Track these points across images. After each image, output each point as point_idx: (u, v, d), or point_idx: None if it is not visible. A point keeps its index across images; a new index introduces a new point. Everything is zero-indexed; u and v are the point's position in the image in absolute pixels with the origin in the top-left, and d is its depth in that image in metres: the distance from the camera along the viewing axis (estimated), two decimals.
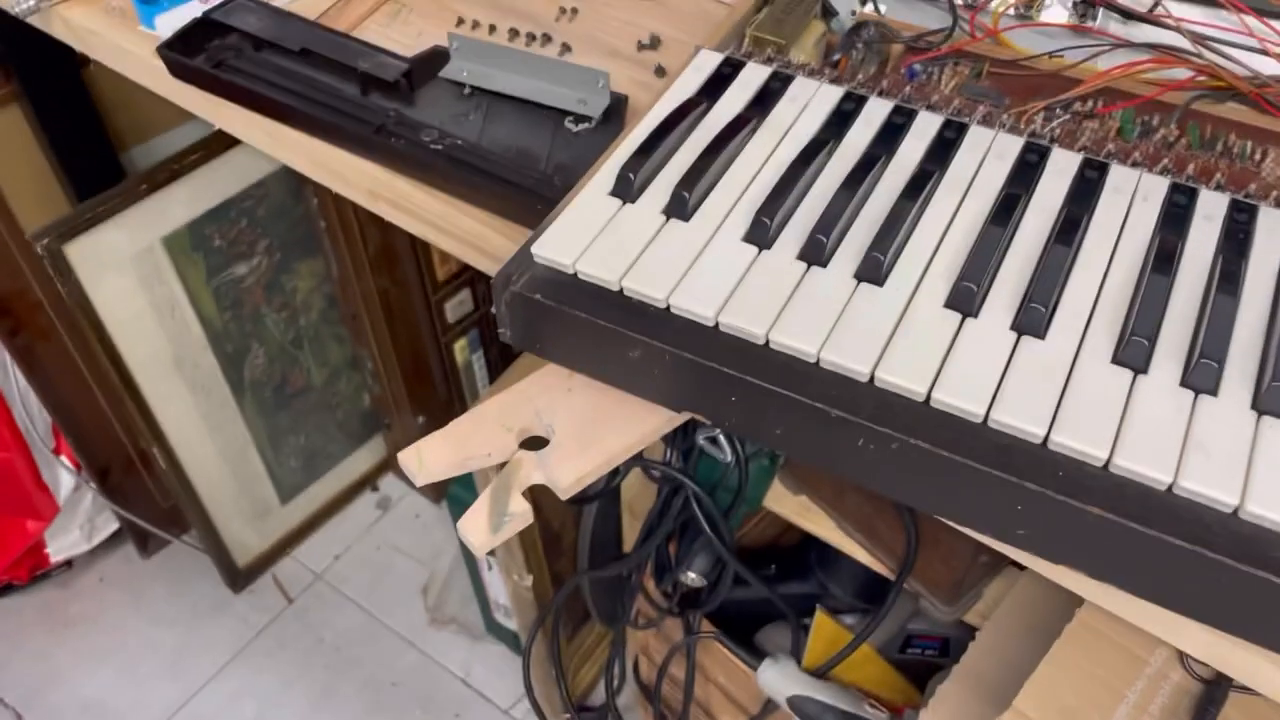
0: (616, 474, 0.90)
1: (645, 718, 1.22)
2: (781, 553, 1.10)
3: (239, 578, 1.54)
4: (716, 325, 0.49)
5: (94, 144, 1.26)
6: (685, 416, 0.54)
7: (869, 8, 0.70)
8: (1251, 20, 0.58)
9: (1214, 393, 0.45)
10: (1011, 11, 0.66)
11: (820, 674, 0.94)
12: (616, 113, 0.68)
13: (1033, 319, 0.47)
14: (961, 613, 0.87)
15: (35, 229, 1.13)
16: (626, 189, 0.54)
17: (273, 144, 0.74)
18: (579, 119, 0.68)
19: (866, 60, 0.65)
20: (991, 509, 0.46)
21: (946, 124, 0.57)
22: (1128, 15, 0.63)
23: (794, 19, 0.65)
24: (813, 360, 0.47)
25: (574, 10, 0.82)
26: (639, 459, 0.83)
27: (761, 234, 0.51)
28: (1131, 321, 0.47)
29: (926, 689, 0.95)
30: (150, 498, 1.52)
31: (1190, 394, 0.45)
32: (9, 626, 1.52)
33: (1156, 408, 0.45)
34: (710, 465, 0.84)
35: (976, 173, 0.55)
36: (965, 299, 0.48)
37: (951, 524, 0.49)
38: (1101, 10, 0.64)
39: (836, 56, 0.65)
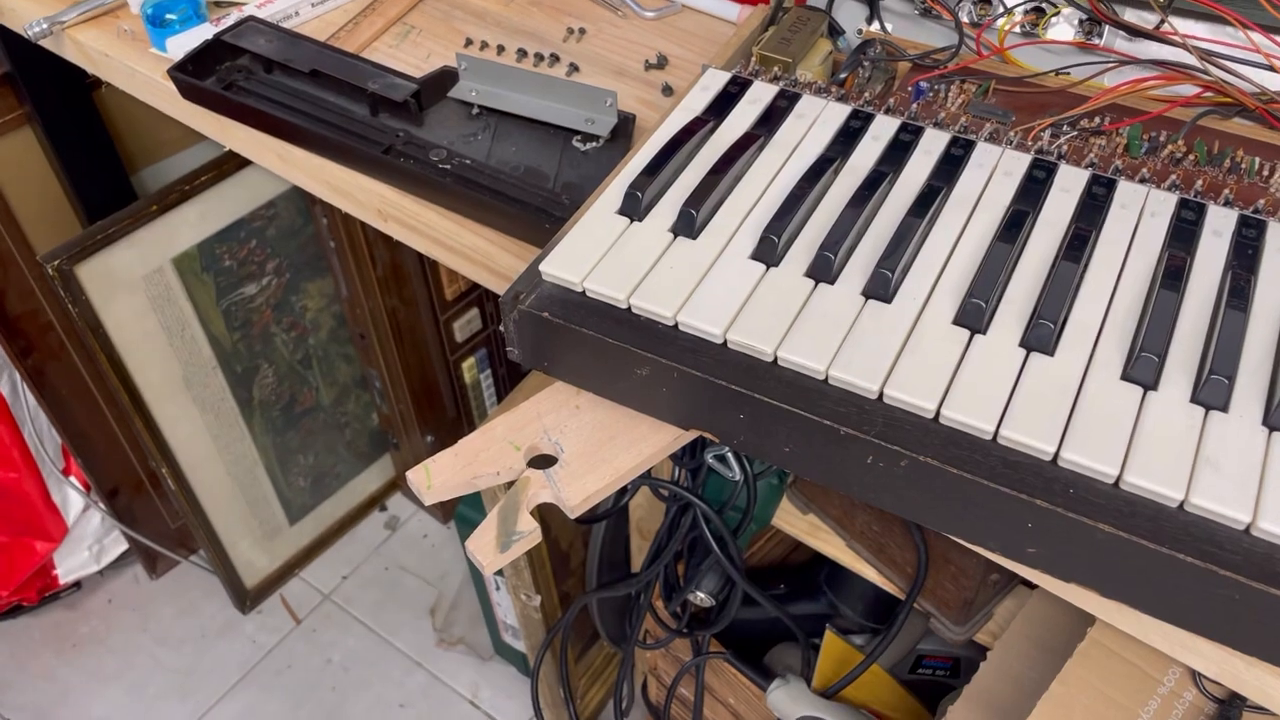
0: (625, 493, 0.90)
1: None
2: (791, 572, 1.10)
3: (247, 598, 1.53)
4: (725, 343, 0.49)
5: (105, 166, 1.27)
6: (693, 434, 0.54)
7: (875, 26, 0.70)
8: (1258, 36, 0.58)
9: (1225, 409, 0.45)
10: (1018, 29, 0.67)
11: (830, 695, 0.93)
12: (624, 131, 0.68)
13: (1041, 336, 0.47)
14: (972, 632, 0.86)
15: (46, 250, 1.13)
16: (634, 207, 0.54)
17: (283, 164, 0.75)
18: (587, 138, 0.68)
19: (873, 78, 0.65)
20: (1001, 527, 0.45)
21: (953, 141, 0.57)
22: (1134, 32, 0.63)
23: (800, 38, 0.65)
24: (821, 378, 0.47)
25: (582, 30, 0.82)
26: (647, 478, 0.83)
27: (769, 251, 0.51)
28: (1141, 338, 0.47)
29: (937, 710, 0.94)
30: (159, 518, 1.52)
31: (1201, 410, 0.45)
32: (17, 648, 1.52)
33: (1167, 424, 0.44)
34: (718, 484, 0.83)
35: (984, 189, 0.55)
36: (974, 316, 0.48)
37: (961, 542, 0.49)
38: (1108, 27, 0.64)
39: (843, 75, 0.65)
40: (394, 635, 1.53)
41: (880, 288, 0.49)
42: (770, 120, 0.60)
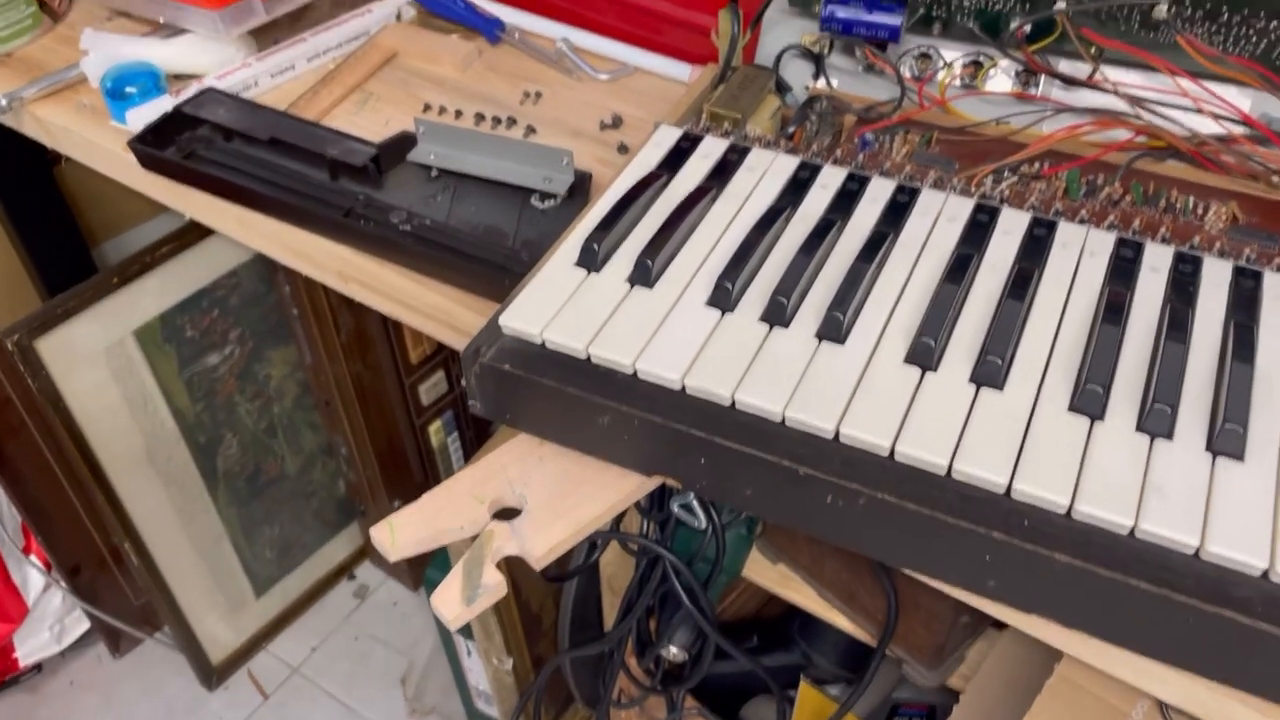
0: (594, 550, 0.89)
1: None
2: (764, 624, 1.10)
3: (213, 675, 1.50)
4: (683, 389, 0.49)
5: (66, 239, 1.27)
6: (657, 481, 0.54)
7: (820, 82, 0.72)
8: (1185, 82, 0.60)
9: (1169, 436, 0.46)
10: (957, 82, 0.69)
11: None
12: (581, 189, 0.69)
13: (990, 371, 0.48)
14: (945, 677, 0.86)
15: (5, 325, 1.13)
16: (591, 259, 0.55)
17: (244, 231, 0.76)
18: (545, 196, 0.69)
19: (820, 131, 0.67)
20: (961, 560, 0.46)
21: (899, 189, 0.59)
22: (1068, 81, 0.66)
23: (749, 95, 0.67)
24: (778, 419, 0.48)
25: (538, 94, 0.84)
26: (615, 532, 0.83)
27: (724, 298, 0.52)
28: (1086, 370, 0.48)
29: None
30: (122, 595, 1.49)
31: (1146, 439, 0.46)
32: None
33: (1114, 453, 0.45)
34: (688, 537, 0.84)
35: (930, 234, 0.56)
36: (924, 354, 0.49)
37: (924, 578, 0.49)
38: (1043, 78, 0.67)
39: (791, 129, 0.67)
40: (365, 707, 1.50)
41: (833, 330, 0.51)
42: (722, 173, 0.61)
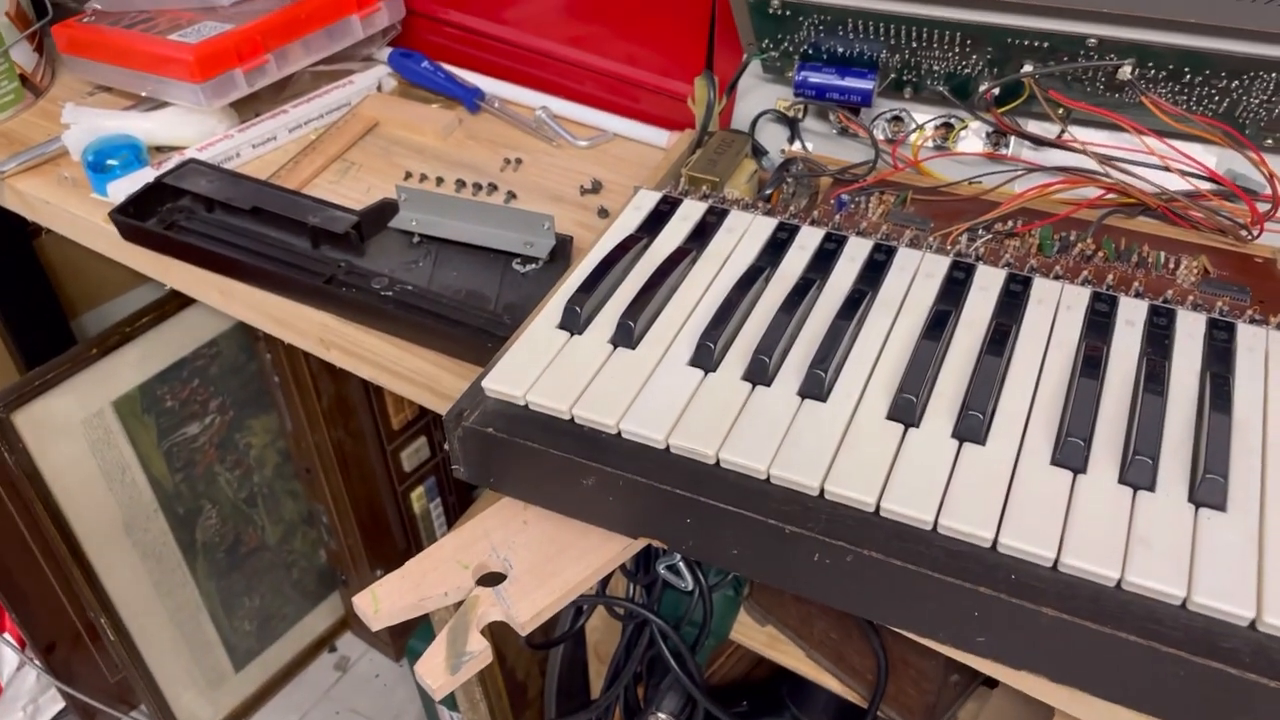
0: (580, 614, 0.88)
1: None
2: (753, 687, 1.08)
3: None
4: (668, 448, 0.49)
5: (45, 312, 1.27)
6: (642, 543, 0.54)
7: (796, 145, 0.73)
8: (1152, 140, 0.62)
9: (1151, 488, 0.46)
10: (930, 143, 0.71)
11: None
12: (563, 252, 0.70)
13: (972, 426, 0.49)
14: None
15: None
16: (574, 321, 0.55)
17: (224, 300, 0.76)
18: (526, 260, 0.70)
19: (797, 193, 0.68)
20: (949, 616, 0.46)
21: (876, 247, 0.60)
22: (1037, 141, 0.67)
23: (726, 159, 0.68)
24: (763, 477, 0.48)
25: (518, 161, 0.86)
26: (601, 596, 0.82)
27: (706, 358, 0.53)
28: (1066, 424, 0.48)
29: None
30: (98, 673, 1.45)
31: (1129, 491, 0.46)
32: None
33: (1098, 506, 0.46)
34: (674, 599, 0.83)
35: (907, 291, 0.57)
36: (906, 410, 0.50)
37: (913, 636, 0.49)
38: (1013, 138, 0.68)
39: (768, 191, 0.68)
40: None
41: (815, 387, 0.51)
42: (701, 235, 0.62)
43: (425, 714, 1.42)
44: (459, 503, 1.54)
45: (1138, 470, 0.46)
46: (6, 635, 1.37)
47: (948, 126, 0.70)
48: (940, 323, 0.54)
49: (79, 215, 0.82)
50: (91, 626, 1.37)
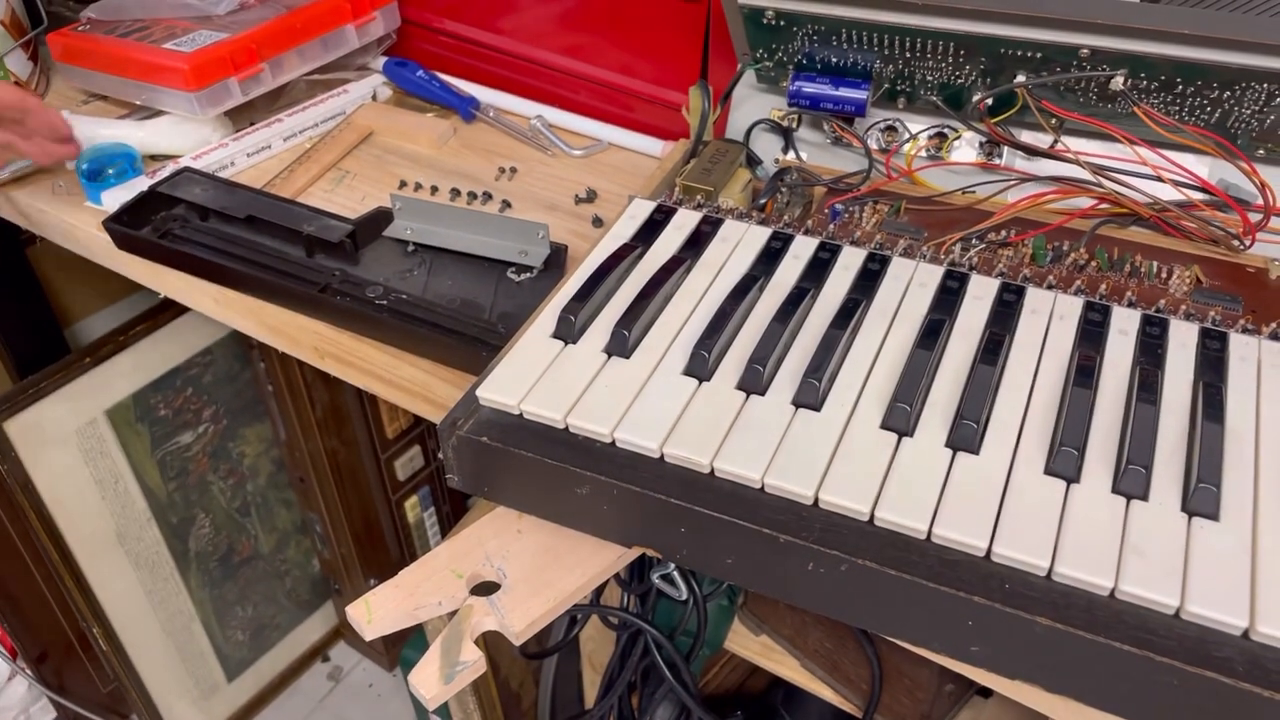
0: (574, 625, 0.88)
1: None
2: (748, 697, 1.08)
3: None
4: (662, 457, 0.49)
5: (38, 320, 1.26)
6: (636, 552, 0.54)
7: (790, 155, 0.74)
8: (1145, 151, 0.62)
9: (1144, 498, 0.46)
10: (923, 153, 0.71)
11: None
12: (557, 261, 0.70)
13: (965, 435, 0.49)
14: None
15: None
16: (568, 330, 0.55)
17: (219, 308, 0.76)
18: (521, 269, 0.70)
19: (791, 203, 0.68)
20: (943, 626, 0.46)
21: (870, 257, 0.60)
22: (1030, 152, 0.67)
23: (720, 168, 0.68)
24: (758, 486, 0.48)
25: (513, 170, 0.86)
26: (596, 606, 0.82)
27: (700, 367, 0.53)
28: (1060, 433, 0.48)
29: None
30: (89, 683, 1.45)
31: (1122, 500, 0.46)
32: None
33: (1092, 515, 0.46)
34: (668, 609, 0.83)
35: (901, 300, 0.57)
36: (900, 419, 0.50)
37: (907, 645, 0.49)
38: (1006, 149, 0.69)
39: (762, 200, 0.68)
40: None
41: (809, 397, 0.51)
42: (696, 244, 0.62)
43: None
44: (453, 512, 1.54)
45: (1131, 479, 0.46)
46: None
47: (941, 136, 0.70)
48: (934, 332, 0.54)
49: (73, 224, 0.82)
50: (83, 636, 1.36)
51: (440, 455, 0.54)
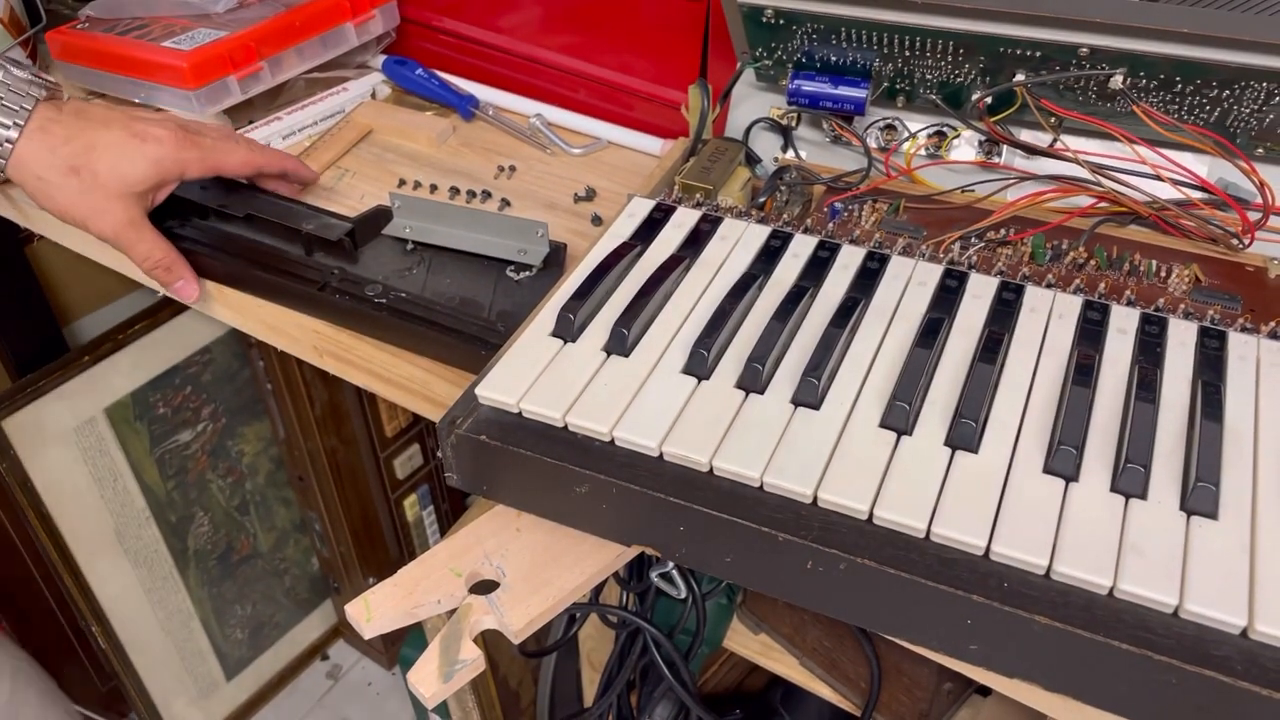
0: (573, 623, 0.88)
1: None
2: (746, 696, 1.08)
3: None
4: (661, 456, 0.49)
5: (37, 318, 1.26)
6: (635, 551, 0.54)
7: (789, 154, 0.74)
8: (1144, 149, 0.62)
9: (1143, 496, 0.46)
10: (923, 152, 0.71)
11: None
12: (556, 260, 0.70)
13: (964, 434, 0.49)
14: None
15: None
16: (567, 329, 0.55)
17: (219, 307, 0.76)
18: (520, 267, 0.70)
19: (790, 201, 0.68)
20: (942, 624, 0.46)
21: (869, 255, 0.60)
22: (1030, 150, 0.67)
23: (720, 166, 0.68)
24: (756, 485, 0.48)
25: (512, 168, 0.86)
26: (595, 604, 0.82)
27: (699, 365, 0.53)
28: (1058, 432, 0.48)
29: None
30: (88, 682, 1.45)
31: (1121, 499, 0.46)
32: None
33: (1090, 514, 0.46)
34: (668, 607, 0.83)
35: (900, 299, 0.57)
36: (899, 418, 0.50)
37: (905, 644, 0.49)
38: (1005, 147, 0.69)
39: (762, 199, 0.68)
40: None
41: (808, 395, 0.51)
42: (695, 242, 0.62)
43: None
44: (452, 510, 1.54)
45: (1129, 478, 0.46)
46: None
47: (940, 135, 0.70)
48: (933, 331, 0.54)
49: None
50: (82, 634, 1.37)
51: (439, 454, 0.54)
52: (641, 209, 0.65)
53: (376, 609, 0.53)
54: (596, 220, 0.78)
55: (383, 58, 0.98)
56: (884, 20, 0.65)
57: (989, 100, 0.66)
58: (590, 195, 0.81)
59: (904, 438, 0.49)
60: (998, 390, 0.52)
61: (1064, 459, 0.47)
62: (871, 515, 0.46)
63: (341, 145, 0.88)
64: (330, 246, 0.72)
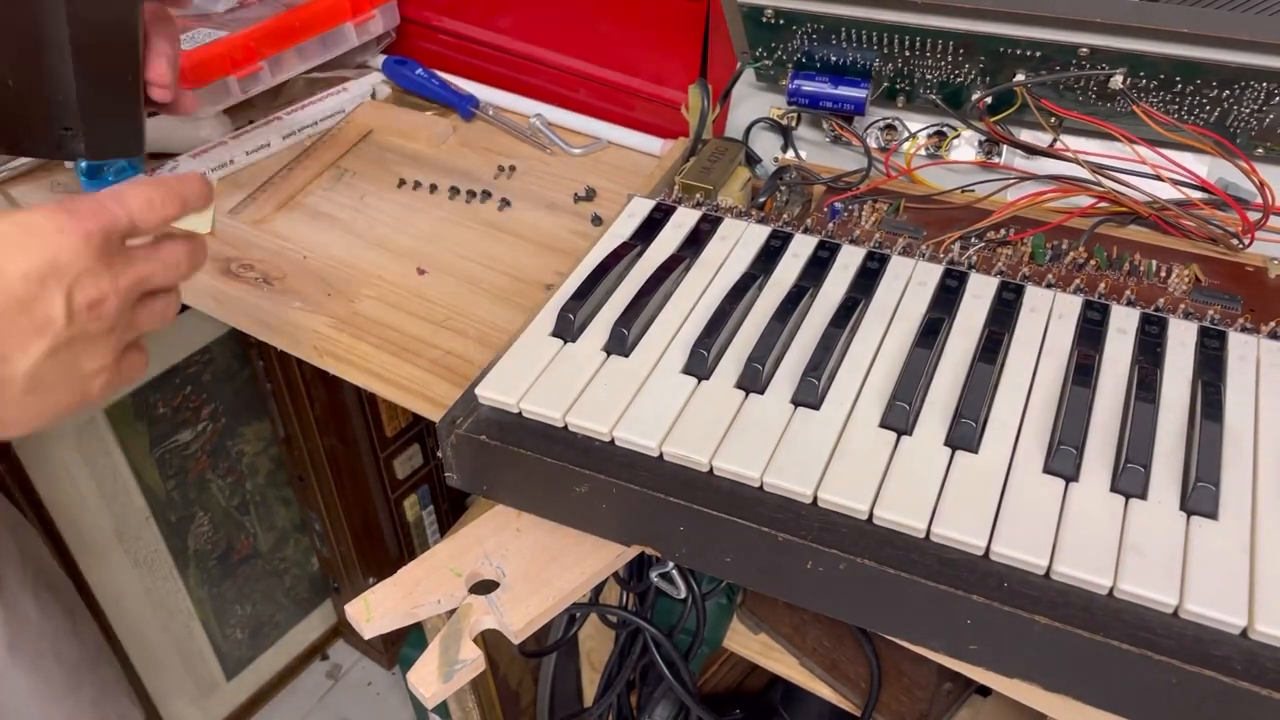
0: (573, 623, 0.88)
1: None
2: (746, 696, 1.08)
3: None
4: (661, 456, 0.49)
5: None
6: (635, 551, 0.54)
7: (789, 153, 0.74)
8: (1144, 149, 0.62)
9: (1143, 496, 0.46)
10: (923, 152, 0.71)
11: None
12: None
13: (964, 434, 0.49)
14: None
15: None
16: (567, 329, 0.55)
17: (218, 306, 0.75)
18: None
19: (790, 201, 0.68)
20: (942, 624, 0.46)
21: (869, 255, 0.60)
22: (1030, 150, 0.67)
23: (720, 166, 0.68)
24: (756, 485, 0.48)
25: (512, 168, 0.86)
26: (594, 604, 0.82)
27: (699, 365, 0.53)
28: (1058, 432, 0.48)
29: None
30: None
31: (1121, 499, 0.46)
32: None
33: (1090, 514, 0.46)
34: (667, 607, 0.83)
35: (900, 299, 0.57)
36: (899, 418, 0.50)
37: (905, 644, 0.49)
38: (1005, 147, 0.69)
39: (762, 199, 0.68)
40: None
41: (808, 395, 0.51)
42: (695, 242, 0.62)
43: None
44: (452, 510, 1.53)
45: (1129, 478, 0.46)
46: None
47: (940, 135, 0.70)
48: (933, 331, 0.54)
49: None
50: None
51: (439, 454, 0.54)
52: (641, 209, 0.65)
53: (376, 609, 0.53)
54: (596, 220, 0.78)
55: (383, 58, 0.98)
56: (884, 20, 0.65)
57: (989, 100, 0.66)
58: (590, 195, 0.81)
59: (904, 438, 0.49)
60: (998, 390, 0.52)
61: (1064, 459, 0.47)
62: (871, 515, 0.46)
63: (341, 145, 0.88)
64: None
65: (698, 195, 0.67)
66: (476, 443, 0.51)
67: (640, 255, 0.61)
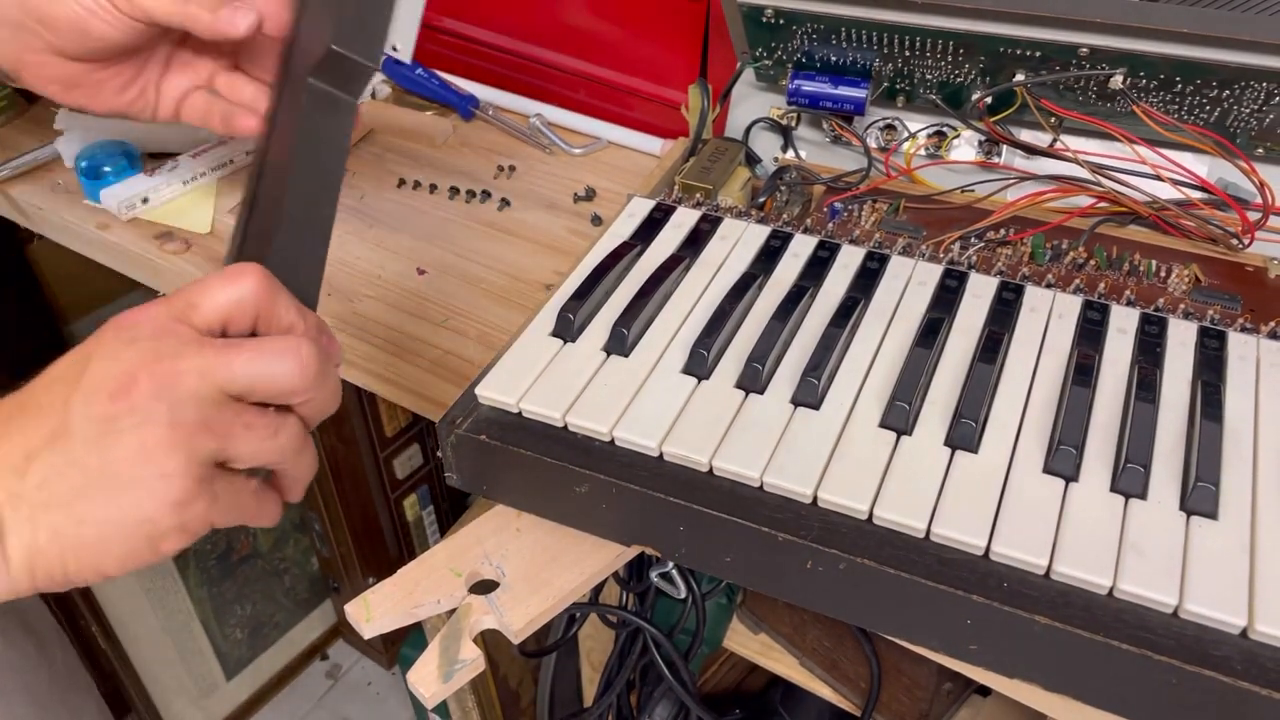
0: (573, 623, 0.88)
1: None
2: (746, 696, 1.08)
3: None
4: (661, 456, 0.49)
5: (36, 319, 1.26)
6: (635, 551, 0.54)
7: (789, 153, 0.74)
8: (1144, 150, 0.62)
9: (1143, 496, 0.46)
10: (923, 152, 0.71)
11: None
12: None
13: (964, 434, 0.49)
14: None
15: None
16: (567, 329, 0.55)
17: None
18: None
19: (790, 201, 0.68)
20: (942, 624, 0.46)
21: (869, 255, 0.60)
22: (1030, 150, 0.67)
23: (720, 166, 0.68)
24: (756, 485, 0.48)
25: (512, 168, 0.86)
26: (594, 604, 0.82)
27: (699, 365, 0.53)
28: (1058, 432, 0.48)
29: None
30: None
31: (1121, 499, 0.46)
32: None
33: (1090, 514, 0.46)
34: (667, 607, 0.83)
35: (900, 299, 0.57)
36: (899, 418, 0.50)
37: (905, 644, 0.49)
38: (1005, 147, 0.69)
39: (762, 199, 0.68)
40: None
41: (808, 395, 0.51)
42: (695, 242, 0.62)
43: None
44: (452, 510, 1.54)
45: (1129, 478, 0.46)
46: None
47: (940, 135, 0.70)
48: (933, 330, 0.54)
49: (71, 222, 0.82)
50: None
51: (439, 453, 0.54)
52: (641, 209, 0.65)
53: (376, 609, 0.52)
54: (596, 220, 0.78)
55: (383, 57, 0.98)
56: (884, 20, 0.65)
57: (989, 100, 0.66)
58: (590, 195, 0.81)
59: (904, 438, 0.49)
60: (998, 390, 0.52)
61: (1064, 459, 0.47)
62: (871, 515, 0.46)
63: None
64: None
65: (698, 195, 0.67)
66: (476, 443, 0.51)
67: (640, 255, 0.61)
